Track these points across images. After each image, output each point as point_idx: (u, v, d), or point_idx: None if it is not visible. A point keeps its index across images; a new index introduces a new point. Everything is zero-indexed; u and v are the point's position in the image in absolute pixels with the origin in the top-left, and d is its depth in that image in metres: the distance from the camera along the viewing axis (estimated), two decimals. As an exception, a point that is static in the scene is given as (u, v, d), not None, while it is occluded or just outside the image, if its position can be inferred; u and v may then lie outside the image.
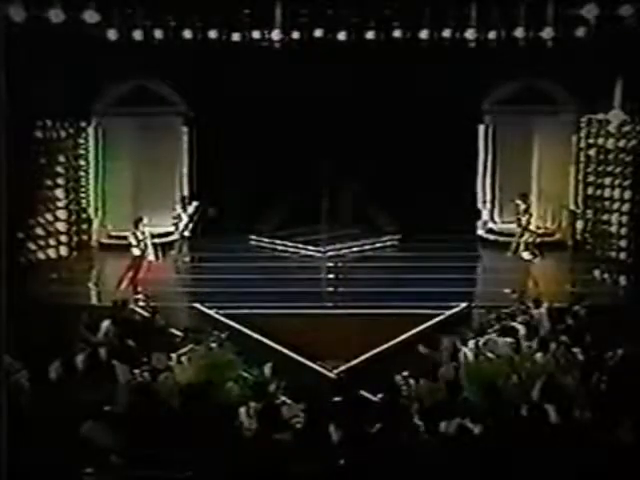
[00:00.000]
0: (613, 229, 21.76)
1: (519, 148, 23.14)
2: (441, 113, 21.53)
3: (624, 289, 19.49)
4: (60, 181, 22.07)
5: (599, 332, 15.38)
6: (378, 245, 22.84)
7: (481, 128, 23.23)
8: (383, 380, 14.32)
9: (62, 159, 22.12)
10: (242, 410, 12.61)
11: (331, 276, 19.85)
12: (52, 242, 21.80)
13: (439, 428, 11.89)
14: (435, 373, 14.18)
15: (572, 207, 22.76)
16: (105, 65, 20.89)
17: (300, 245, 22.39)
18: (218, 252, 21.72)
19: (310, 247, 22.11)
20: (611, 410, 12.22)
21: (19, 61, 19.22)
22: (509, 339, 15.35)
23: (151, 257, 19.44)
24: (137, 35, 19.91)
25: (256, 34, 20.03)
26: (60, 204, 22.05)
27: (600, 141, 22.10)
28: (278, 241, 22.78)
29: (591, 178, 22.39)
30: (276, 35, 19.85)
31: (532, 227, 21.18)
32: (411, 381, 13.93)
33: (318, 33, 19.94)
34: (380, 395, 13.85)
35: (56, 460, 10.90)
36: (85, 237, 22.76)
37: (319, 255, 21.61)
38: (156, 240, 20.12)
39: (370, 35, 19.98)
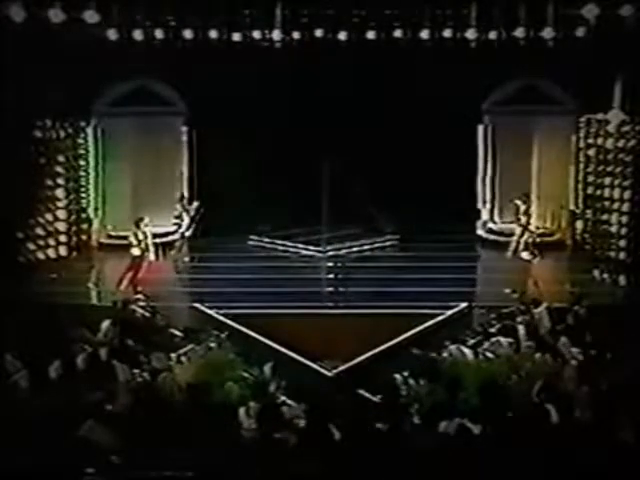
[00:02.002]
0: (613, 229, 21.74)
1: (519, 148, 23.12)
2: (441, 113, 21.54)
3: (624, 289, 19.50)
4: (60, 181, 22.05)
5: (599, 332, 15.39)
6: (378, 245, 22.84)
7: (481, 128, 23.22)
8: (383, 380, 14.34)
9: (62, 159, 22.10)
10: (242, 410, 12.63)
11: (331, 276, 19.84)
12: (52, 242, 21.79)
13: (439, 428, 11.90)
14: (435, 373, 14.21)
15: (572, 207, 22.76)
16: (105, 65, 20.87)
17: (300, 245, 22.38)
18: (218, 252, 21.73)
19: (310, 247, 22.11)
20: (611, 410, 12.23)
21: (19, 61, 19.42)
22: (510, 339, 15.38)
23: (151, 257, 19.45)
24: (137, 35, 19.92)
25: (256, 34, 20.05)
26: (60, 204, 22.03)
27: (600, 141, 22.08)
28: (278, 241, 22.78)
29: (591, 178, 22.36)
30: (276, 35, 19.87)
31: (532, 227, 21.19)
32: (411, 381, 13.95)
33: (318, 33, 19.95)
34: (380, 395, 13.85)
35: (56, 460, 10.91)
36: (85, 237, 22.75)
37: (319, 255, 21.61)
38: (156, 240, 20.13)
39: (370, 35, 20.00)
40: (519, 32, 19.64)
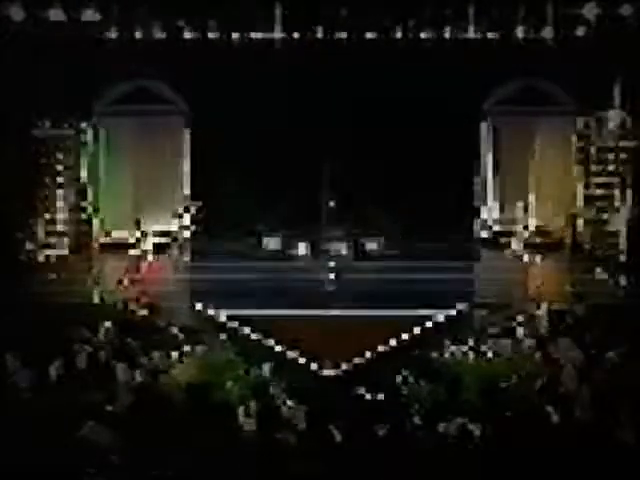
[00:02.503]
0: (613, 229, 21.75)
1: (519, 148, 23.13)
2: (441, 113, 21.52)
3: (624, 289, 19.49)
4: (60, 181, 22.07)
5: (599, 332, 15.39)
6: (378, 245, 22.81)
7: (482, 128, 23.23)
8: (383, 380, 14.33)
9: (62, 159, 22.11)
10: (242, 410, 12.63)
11: (331, 276, 19.83)
12: (52, 242, 21.81)
13: (439, 428, 11.90)
14: (435, 373, 14.21)
15: (572, 207, 22.75)
16: (105, 65, 20.88)
17: (300, 245, 22.37)
18: (218, 252, 21.72)
19: (310, 247, 22.09)
20: (611, 410, 12.23)
21: (19, 61, 19.43)
22: (510, 339, 15.39)
23: (151, 257, 19.44)
24: (137, 35, 19.93)
25: (256, 34, 20.05)
26: (60, 204, 22.04)
27: (600, 141, 22.09)
28: (277, 241, 22.74)
29: (591, 178, 22.37)
30: (276, 35, 19.87)
31: (532, 227, 21.16)
32: (411, 381, 13.94)
33: (318, 33, 19.96)
34: (380, 395, 13.85)
35: (56, 460, 10.90)
36: (85, 237, 22.75)
37: (319, 255, 21.59)
38: (156, 240, 20.12)
39: (370, 35, 20.00)
40: (519, 32, 19.65)
